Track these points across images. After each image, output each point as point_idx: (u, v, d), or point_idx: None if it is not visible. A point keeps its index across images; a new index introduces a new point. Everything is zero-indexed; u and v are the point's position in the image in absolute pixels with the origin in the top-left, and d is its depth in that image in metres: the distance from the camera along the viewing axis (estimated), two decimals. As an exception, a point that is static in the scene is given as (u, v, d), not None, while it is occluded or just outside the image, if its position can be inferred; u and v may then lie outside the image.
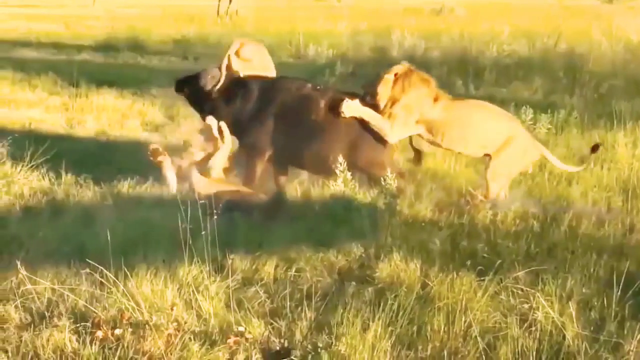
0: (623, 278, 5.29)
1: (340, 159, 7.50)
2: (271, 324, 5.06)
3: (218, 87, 8.42)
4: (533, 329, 4.95)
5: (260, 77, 8.59)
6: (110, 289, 5.19)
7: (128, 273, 5.35)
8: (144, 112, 12.65)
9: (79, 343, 4.73)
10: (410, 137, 8.07)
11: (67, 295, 5.21)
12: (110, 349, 4.66)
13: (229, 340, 4.76)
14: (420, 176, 8.39)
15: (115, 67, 18.63)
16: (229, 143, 8.12)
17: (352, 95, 7.93)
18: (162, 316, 4.97)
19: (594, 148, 7.95)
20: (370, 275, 5.85)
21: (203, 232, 5.65)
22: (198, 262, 5.64)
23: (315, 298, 5.28)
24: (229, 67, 8.57)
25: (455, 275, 5.60)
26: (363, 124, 7.83)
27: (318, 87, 8.32)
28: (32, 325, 4.97)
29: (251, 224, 7.00)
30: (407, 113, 7.76)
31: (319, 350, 4.59)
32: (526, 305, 5.24)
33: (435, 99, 7.80)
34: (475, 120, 7.79)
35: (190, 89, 8.71)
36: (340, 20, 25.05)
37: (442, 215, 7.25)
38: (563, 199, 7.67)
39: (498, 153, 7.66)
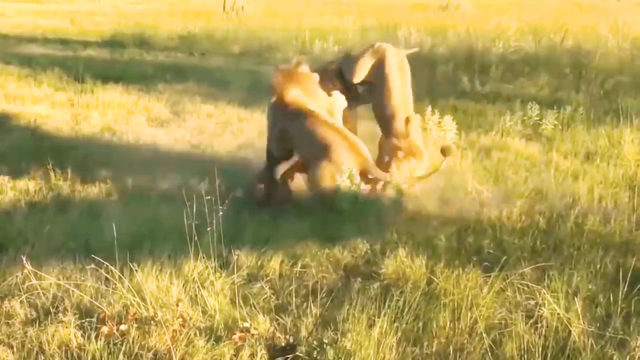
0: (629, 274, 5.26)
1: None
2: (277, 320, 5.06)
3: None
4: (539, 325, 4.95)
5: None
6: (115, 284, 5.20)
7: (133, 269, 5.36)
8: (149, 108, 12.63)
9: (84, 339, 4.74)
10: None
11: (73, 291, 5.21)
12: (115, 344, 4.67)
13: (234, 336, 4.77)
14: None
15: (121, 63, 18.62)
16: None
17: None
18: (167, 312, 4.98)
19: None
20: (376, 272, 5.84)
21: (209, 228, 5.65)
22: (203, 258, 5.64)
23: (320, 294, 5.29)
24: None
25: (461, 272, 5.60)
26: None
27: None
28: (38, 321, 4.98)
29: (257, 219, 7.00)
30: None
31: (325, 346, 4.58)
32: (532, 302, 5.23)
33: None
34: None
35: None
36: (347, 16, 25.02)
37: (448, 211, 7.24)
38: (569, 195, 7.64)
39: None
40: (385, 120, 7.96)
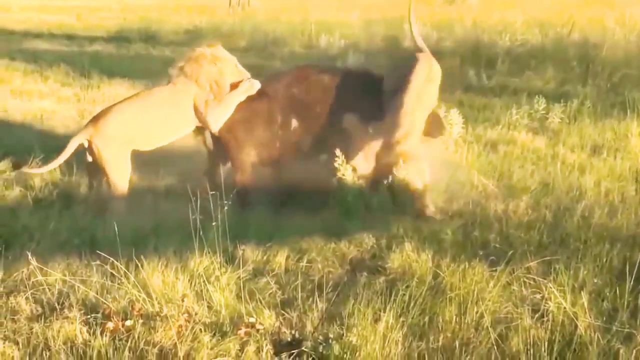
0: (636, 268, 5.23)
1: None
2: (282, 314, 5.06)
3: None
4: (545, 319, 4.93)
5: None
6: (121, 280, 5.19)
7: (139, 264, 5.37)
8: (155, 103, 12.60)
9: (89, 334, 4.74)
10: None
11: (78, 287, 5.21)
12: (121, 340, 4.67)
13: (239, 331, 4.76)
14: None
15: (127, 58, 18.65)
16: None
17: None
18: (173, 307, 4.98)
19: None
20: (382, 266, 5.84)
21: (214, 223, 5.64)
22: (209, 253, 5.64)
23: (326, 289, 5.27)
24: None
25: (467, 266, 5.58)
26: None
27: None
28: (43, 317, 4.98)
29: (262, 214, 6.99)
30: None
31: (330, 341, 4.58)
32: (538, 296, 5.22)
33: None
34: None
35: None
36: (353, 10, 24.96)
37: (454, 205, 7.23)
38: (576, 188, 7.61)
39: None
40: None
